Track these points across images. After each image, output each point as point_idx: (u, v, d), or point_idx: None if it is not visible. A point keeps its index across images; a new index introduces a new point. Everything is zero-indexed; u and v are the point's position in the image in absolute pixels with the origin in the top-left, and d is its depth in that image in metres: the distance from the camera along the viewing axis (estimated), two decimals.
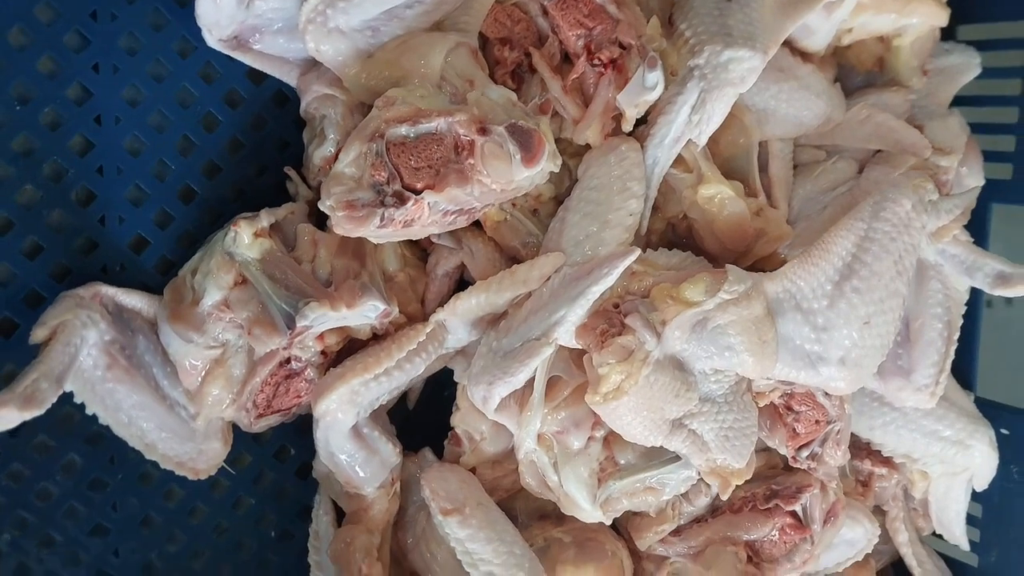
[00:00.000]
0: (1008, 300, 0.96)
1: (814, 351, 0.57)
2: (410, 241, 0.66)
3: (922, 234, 0.61)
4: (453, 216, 0.56)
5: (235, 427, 0.63)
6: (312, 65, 0.61)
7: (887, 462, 0.73)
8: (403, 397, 0.71)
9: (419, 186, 0.53)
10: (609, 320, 0.57)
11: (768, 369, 0.58)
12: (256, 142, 0.64)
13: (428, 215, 0.54)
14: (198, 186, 0.62)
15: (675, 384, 0.56)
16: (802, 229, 0.68)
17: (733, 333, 0.56)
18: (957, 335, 0.69)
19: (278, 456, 0.69)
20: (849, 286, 0.57)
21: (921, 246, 0.68)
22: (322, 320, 0.57)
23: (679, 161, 0.63)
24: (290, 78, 0.61)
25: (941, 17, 0.65)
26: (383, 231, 0.54)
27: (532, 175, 0.55)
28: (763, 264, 0.69)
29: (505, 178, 0.54)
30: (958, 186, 0.72)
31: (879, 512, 0.76)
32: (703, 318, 0.56)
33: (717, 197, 0.63)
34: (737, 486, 0.66)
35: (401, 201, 0.53)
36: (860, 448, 0.74)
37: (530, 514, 0.70)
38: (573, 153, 0.65)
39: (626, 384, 0.54)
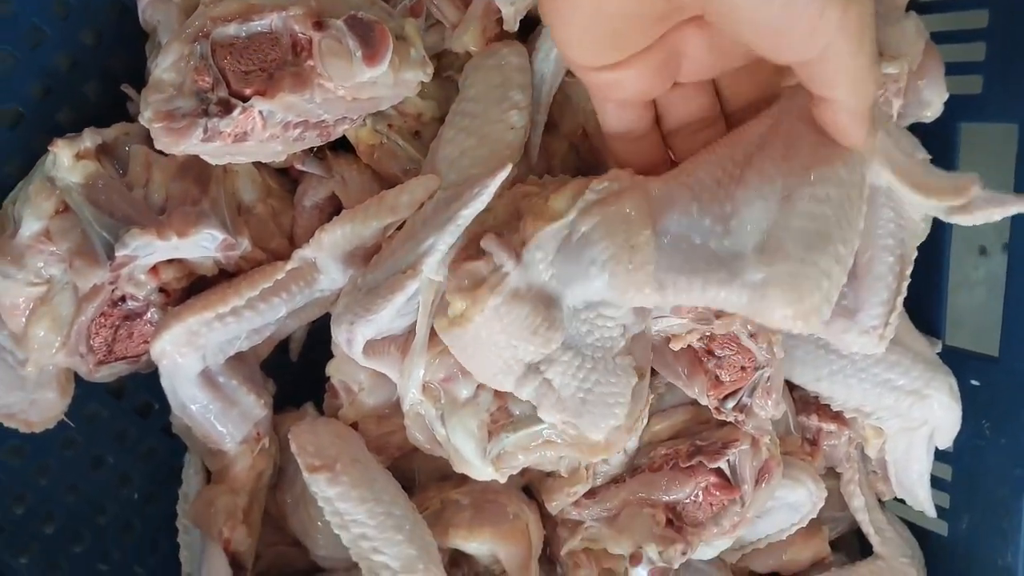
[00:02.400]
0: (981, 249, 0.88)
1: (722, 247, 0.43)
2: (277, 169, 0.60)
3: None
4: (298, 130, 0.51)
5: (91, 382, 0.58)
6: None
7: (836, 417, 0.67)
8: (286, 346, 0.66)
9: (248, 92, 0.48)
10: (469, 244, 0.50)
11: (639, 283, 0.45)
12: (93, 60, 0.58)
13: (264, 128, 0.49)
14: (26, 108, 0.57)
15: (534, 320, 0.47)
16: None
17: (596, 239, 0.46)
18: (910, 270, 0.61)
19: (141, 412, 0.64)
20: (760, 153, 0.45)
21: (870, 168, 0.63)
22: (148, 249, 0.51)
23: None
24: None
25: None
26: (211, 146, 0.49)
27: (376, 75, 0.49)
28: None
29: (346, 78, 0.48)
30: (915, 101, 0.64)
31: (833, 475, 0.70)
32: (568, 232, 0.47)
33: None
34: (659, 443, 0.62)
35: (226, 110, 0.48)
36: (807, 402, 0.68)
37: (429, 475, 0.65)
38: (461, 67, 0.59)
39: (470, 311, 0.47)
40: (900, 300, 0.61)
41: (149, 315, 0.55)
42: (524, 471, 0.59)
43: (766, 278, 0.42)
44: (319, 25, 0.48)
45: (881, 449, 0.67)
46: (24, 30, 0.56)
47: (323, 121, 0.51)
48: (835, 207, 0.43)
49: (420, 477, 0.65)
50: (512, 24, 0.55)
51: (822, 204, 0.43)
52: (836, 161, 0.44)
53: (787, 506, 0.65)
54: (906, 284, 0.61)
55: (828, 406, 0.66)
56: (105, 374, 0.56)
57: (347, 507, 0.56)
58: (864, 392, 0.64)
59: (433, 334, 0.55)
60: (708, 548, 0.63)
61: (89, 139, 0.52)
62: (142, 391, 0.64)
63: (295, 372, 0.66)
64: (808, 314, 0.42)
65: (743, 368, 0.57)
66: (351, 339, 0.55)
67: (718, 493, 0.60)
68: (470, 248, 0.51)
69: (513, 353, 0.48)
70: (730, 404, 0.58)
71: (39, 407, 0.56)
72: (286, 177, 0.61)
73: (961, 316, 0.72)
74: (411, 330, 0.55)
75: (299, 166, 0.58)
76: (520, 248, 0.47)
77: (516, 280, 0.47)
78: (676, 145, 0.49)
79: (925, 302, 0.69)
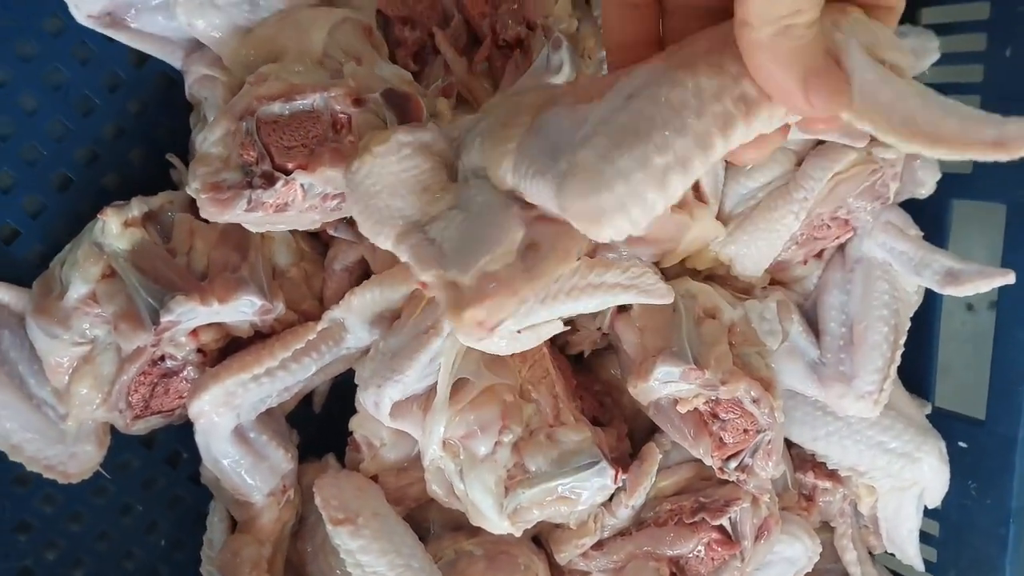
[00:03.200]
0: (968, 306, 0.91)
1: (564, 143, 0.38)
2: (309, 234, 0.63)
3: None
4: (335, 201, 0.53)
5: (124, 432, 0.60)
6: (197, 46, 0.57)
7: (832, 475, 0.69)
8: (310, 399, 0.68)
9: (290, 166, 0.50)
10: None
11: (499, 158, 0.41)
12: (140, 128, 0.61)
13: (303, 199, 0.51)
14: (75, 174, 0.59)
15: (429, 177, 0.44)
16: (735, 226, 0.64)
17: (489, 114, 0.43)
18: (903, 340, 0.65)
19: (170, 461, 0.66)
20: (633, 72, 0.38)
21: (865, 243, 0.66)
22: (191, 315, 0.54)
23: None
24: (174, 59, 0.58)
25: None
26: (254, 216, 0.51)
27: None
28: (693, 263, 0.65)
29: None
30: (911, 181, 0.67)
31: (827, 528, 0.72)
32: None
33: None
34: (664, 498, 0.64)
35: (270, 182, 0.49)
36: (804, 460, 0.71)
37: (444, 525, 0.67)
38: None
39: (375, 141, 0.44)
40: (894, 368, 0.64)
41: (185, 373, 0.58)
42: (535, 522, 0.60)
43: (568, 167, 0.37)
44: (358, 102, 0.50)
45: (873, 506, 0.70)
46: (75, 100, 0.58)
47: None
48: (669, 110, 0.36)
49: (434, 527, 0.66)
50: None
51: (655, 104, 0.36)
52: (700, 67, 0.37)
53: (784, 560, 0.67)
54: (900, 353, 0.64)
55: (824, 464, 0.68)
56: (140, 427, 0.58)
57: (368, 559, 0.58)
58: (859, 453, 0.66)
59: (453, 393, 0.57)
60: None
61: (136, 208, 0.55)
62: (172, 441, 0.66)
63: (317, 423, 0.68)
64: (594, 215, 0.36)
65: (746, 431, 0.58)
66: (379, 402, 0.57)
67: (720, 549, 0.62)
68: None
69: (400, 203, 0.44)
70: (733, 464, 0.59)
71: (77, 459, 0.57)
72: (317, 240, 0.63)
73: (949, 367, 0.74)
74: (432, 390, 0.57)
75: (331, 231, 0.60)
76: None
77: (425, 136, 0.45)
78: (670, 26, 0.42)
79: (915, 362, 0.71)
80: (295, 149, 0.50)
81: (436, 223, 0.42)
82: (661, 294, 0.60)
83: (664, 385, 0.59)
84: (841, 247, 0.67)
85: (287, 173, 0.49)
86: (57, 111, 0.58)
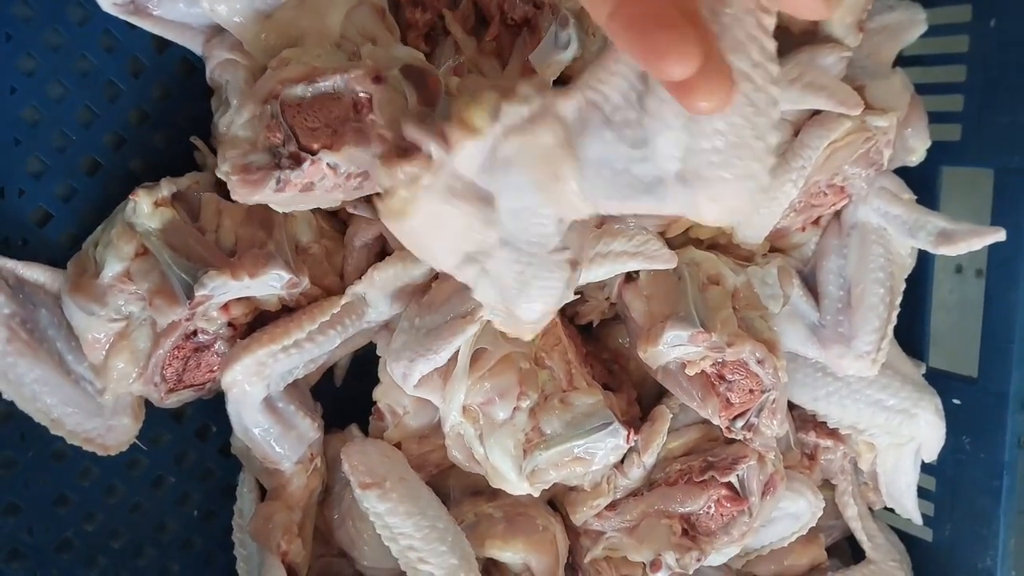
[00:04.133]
0: (957, 269, 0.94)
1: (645, 171, 0.41)
2: (328, 212, 0.64)
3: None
4: (359, 180, 0.54)
5: (155, 406, 0.61)
6: (217, 31, 0.59)
7: (832, 434, 0.72)
8: (331, 373, 0.70)
9: (316, 146, 0.51)
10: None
11: (574, 208, 0.44)
12: (163, 112, 0.62)
13: (330, 178, 0.53)
14: (103, 158, 0.61)
15: (469, 219, 0.45)
16: None
17: (521, 165, 0.43)
18: (899, 300, 0.67)
19: (200, 435, 0.68)
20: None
21: (861, 209, 0.68)
22: (223, 289, 0.55)
23: None
24: (195, 45, 0.59)
25: None
26: (282, 195, 0.52)
27: None
28: (696, 232, 0.68)
29: None
30: (902, 147, 0.70)
31: (828, 486, 0.75)
32: (492, 149, 0.44)
33: None
34: (674, 459, 0.66)
35: (297, 162, 0.51)
36: (805, 420, 0.73)
37: (463, 490, 0.69)
38: None
39: (409, 206, 0.44)
40: (891, 328, 0.66)
41: (217, 347, 0.60)
42: (550, 485, 0.63)
43: (690, 200, 0.41)
44: (378, 79, 0.51)
45: (873, 463, 0.72)
46: (101, 86, 0.60)
47: None
48: (740, 108, 0.39)
49: (454, 492, 0.69)
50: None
51: (726, 115, 0.39)
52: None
53: (789, 516, 0.70)
54: (896, 313, 0.67)
55: (825, 424, 0.71)
56: (174, 401, 0.60)
57: (396, 521, 0.60)
58: (858, 411, 0.68)
59: (472, 362, 0.59)
60: (717, 555, 0.66)
61: (166, 188, 0.57)
62: (200, 415, 0.68)
63: (337, 395, 0.70)
64: (740, 213, 0.41)
65: (751, 391, 0.61)
66: (408, 374, 0.59)
67: (729, 505, 0.64)
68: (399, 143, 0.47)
69: (451, 243, 0.46)
70: (739, 424, 0.61)
71: (115, 432, 0.59)
72: (336, 219, 0.65)
73: (938, 332, 0.77)
74: (452, 359, 0.59)
75: (351, 210, 0.62)
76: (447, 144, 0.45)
77: (450, 175, 0.44)
78: None
79: (910, 326, 0.74)
80: (319, 130, 0.51)
81: (489, 258, 0.45)
82: (665, 259, 0.62)
83: (673, 349, 0.61)
84: (837, 214, 0.69)
85: (313, 153, 0.51)
86: (84, 98, 0.59)
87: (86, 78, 0.59)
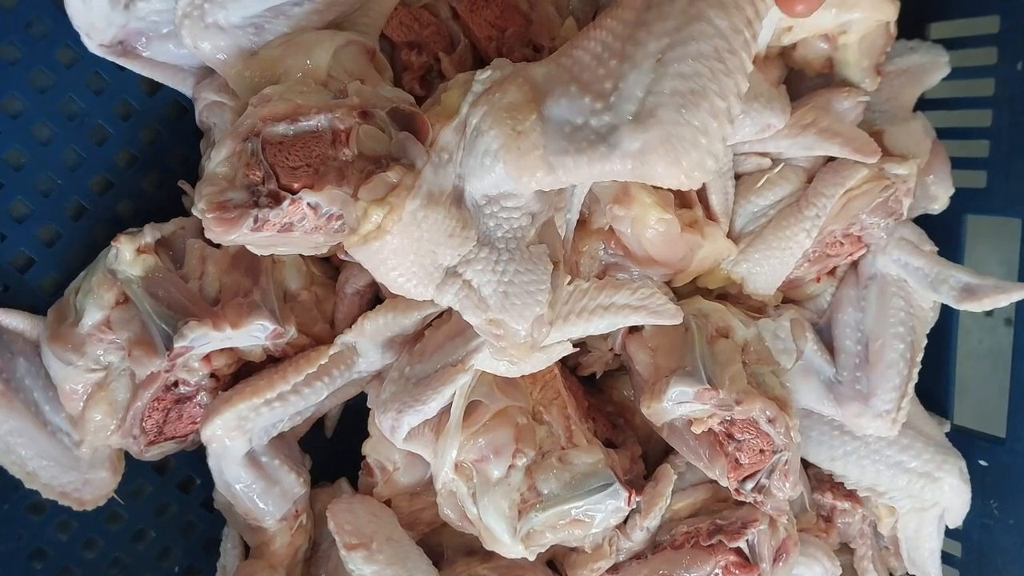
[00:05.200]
0: (986, 318, 0.91)
1: (602, 123, 0.43)
2: (320, 258, 0.63)
3: None
4: (339, 222, 0.52)
5: (138, 458, 0.60)
6: (207, 73, 0.58)
7: (850, 496, 0.69)
8: (321, 423, 0.68)
9: (296, 186, 0.49)
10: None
11: (530, 167, 0.45)
12: (153, 156, 0.61)
13: (311, 219, 0.51)
14: (89, 202, 0.60)
15: (449, 222, 0.46)
16: (746, 244, 0.64)
17: (486, 128, 0.45)
18: (920, 356, 0.65)
19: (182, 487, 0.66)
20: (635, 26, 0.43)
21: (879, 259, 0.65)
22: (204, 340, 0.54)
23: None
24: (185, 87, 0.59)
25: (886, 10, 0.60)
26: (260, 236, 0.50)
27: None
28: (705, 282, 0.65)
29: None
30: (923, 195, 0.67)
31: (846, 551, 0.72)
32: (464, 126, 0.47)
33: (641, 213, 0.58)
34: (680, 520, 0.63)
35: (276, 201, 0.49)
36: (821, 480, 0.70)
37: (456, 550, 0.66)
38: None
39: (388, 221, 0.46)
40: (911, 386, 0.63)
41: (199, 398, 0.58)
42: (549, 547, 0.60)
43: (643, 145, 0.42)
44: (365, 115, 0.49)
45: (893, 527, 0.69)
46: (89, 129, 0.59)
47: None
48: (709, 61, 0.42)
49: (448, 552, 0.65)
50: None
51: (695, 61, 0.42)
52: (708, 12, 0.42)
53: None
54: (917, 371, 0.64)
55: (842, 485, 0.68)
56: (155, 453, 0.58)
57: None
58: (877, 473, 0.65)
59: (466, 416, 0.57)
60: None
61: (149, 234, 0.55)
62: (184, 467, 0.66)
63: (328, 446, 0.68)
64: (691, 171, 0.42)
65: (762, 451, 0.58)
66: (396, 427, 0.57)
67: (738, 572, 0.60)
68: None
69: (432, 259, 0.47)
70: (749, 486, 0.58)
71: (92, 486, 0.58)
72: (328, 264, 0.63)
73: (967, 385, 0.74)
74: (444, 412, 0.57)
75: (342, 256, 0.60)
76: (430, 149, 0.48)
77: (429, 181, 0.47)
78: None
79: (933, 380, 0.70)
80: (300, 169, 0.49)
81: (470, 266, 0.46)
82: (671, 315, 0.59)
83: (678, 406, 0.58)
84: (854, 264, 0.67)
85: (293, 193, 0.49)
86: (71, 140, 0.58)
87: (74, 121, 0.58)
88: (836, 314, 0.67)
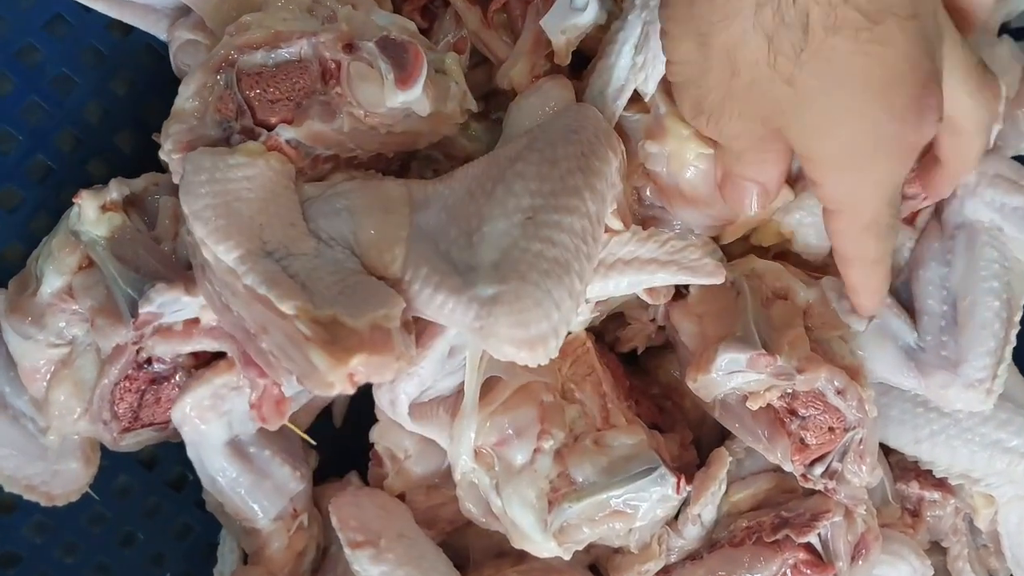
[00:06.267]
0: None
1: (461, 259, 0.44)
2: None
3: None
4: (328, 165, 0.49)
5: (122, 452, 0.55)
6: (183, 12, 0.54)
7: (940, 484, 0.62)
8: (330, 412, 0.63)
9: (273, 120, 0.46)
10: None
11: (390, 239, 0.45)
12: (126, 109, 0.57)
13: (297, 158, 0.47)
14: (55, 162, 0.56)
15: (296, 214, 0.45)
16: (803, 188, 0.56)
17: (350, 190, 0.46)
18: (1019, 316, 0.58)
19: (175, 485, 0.62)
20: (512, 170, 0.45)
21: (968, 204, 0.58)
22: (174, 306, 0.48)
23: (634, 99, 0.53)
24: (159, 30, 0.54)
25: None
26: None
27: (410, 99, 0.47)
28: (758, 238, 0.59)
29: (376, 104, 0.47)
30: (1013, 132, 0.60)
31: (938, 550, 0.65)
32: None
33: (677, 148, 0.52)
34: (740, 514, 0.58)
35: (251, 137, 0.46)
36: (906, 468, 0.63)
37: (484, 552, 0.61)
38: None
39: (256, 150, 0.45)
40: (1009, 349, 0.57)
41: (177, 378, 0.52)
42: (590, 547, 0.56)
43: (496, 295, 0.42)
44: (349, 48, 0.47)
45: (993, 520, 0.62)
46: (52, 79, 0.55)
47: (355, 157, 0.49)
48: (578, 239, 0.44)
49: (474, 554, 0.61)
50: (564, 57, 0.53)
51: (565, 233, 0.44)
52: (584, 191, 0.45)
53: None
54: (1015, 332, 0.57)
55: (930, 472, 0.61)
56: (131, 442, 0.53)
57: None
58: (971, 455, 0.59)
59: (483, 394, 0.52)
60: None
61: (116, 190, 0.51)
62: (175, 462, 0.61)
63: (341, 441, 0.63)
64: (534, 343, 0.42)
65: (831, 429, 0.53)
66: (394, 399, 0.53)
67: (809, 571, 0.55)
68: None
69: (260, 223, 0.44)
70: (818, 470, 0.53)
71: (62, 478, 0.53)
72: None
73: None
74: (459, 390, 0.53)
75: None
76: None
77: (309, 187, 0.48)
78: None
79: None
80: (280, 103, 0.47)
81: (295, 260, 0.43)
82: (708, 271, 0.53)
83: (729, 376, 0.53)
84: (938, 212, 0.60)
85: (269, 128, 0.46)
86: (32, 91, 0.54)
87: (34, 70, 0.54)
88: (917, 270, 0.60)
